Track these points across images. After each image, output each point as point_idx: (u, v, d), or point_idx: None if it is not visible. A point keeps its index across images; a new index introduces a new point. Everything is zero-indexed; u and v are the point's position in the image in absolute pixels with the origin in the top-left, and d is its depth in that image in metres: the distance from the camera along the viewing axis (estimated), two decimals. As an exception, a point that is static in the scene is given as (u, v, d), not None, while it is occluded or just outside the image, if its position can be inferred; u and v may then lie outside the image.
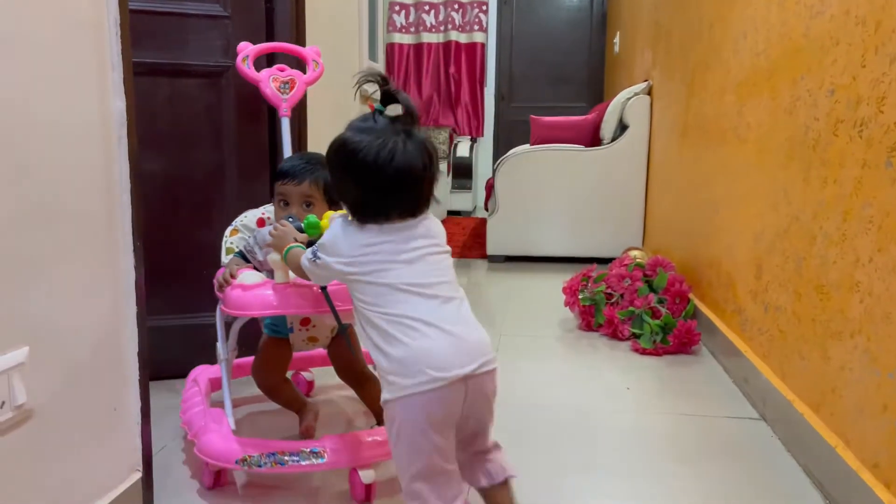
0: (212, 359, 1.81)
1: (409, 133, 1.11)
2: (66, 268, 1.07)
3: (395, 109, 1.16)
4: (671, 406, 1.91)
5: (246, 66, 1.76)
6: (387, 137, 1.09)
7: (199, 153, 1.99)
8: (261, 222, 1.68)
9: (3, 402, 0.94)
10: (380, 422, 1.61)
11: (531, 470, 1.53)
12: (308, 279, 1.27)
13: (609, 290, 2.62)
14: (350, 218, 1.16)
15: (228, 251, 1.62)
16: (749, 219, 2.02)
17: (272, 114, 2.05)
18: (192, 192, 1.99)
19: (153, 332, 1.34)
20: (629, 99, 3.81)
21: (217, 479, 1.45)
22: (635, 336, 2.44)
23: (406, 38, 6.44)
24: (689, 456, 1.61)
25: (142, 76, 1.33)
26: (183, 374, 2.00)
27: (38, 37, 1.00)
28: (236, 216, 1.99)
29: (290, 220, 1.37)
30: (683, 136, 2.95)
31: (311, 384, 1.99)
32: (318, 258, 1.16)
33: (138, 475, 1.28)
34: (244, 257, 1.57)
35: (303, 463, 1.35)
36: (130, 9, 1.22)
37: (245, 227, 1.67)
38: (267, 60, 1.98)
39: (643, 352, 2.36)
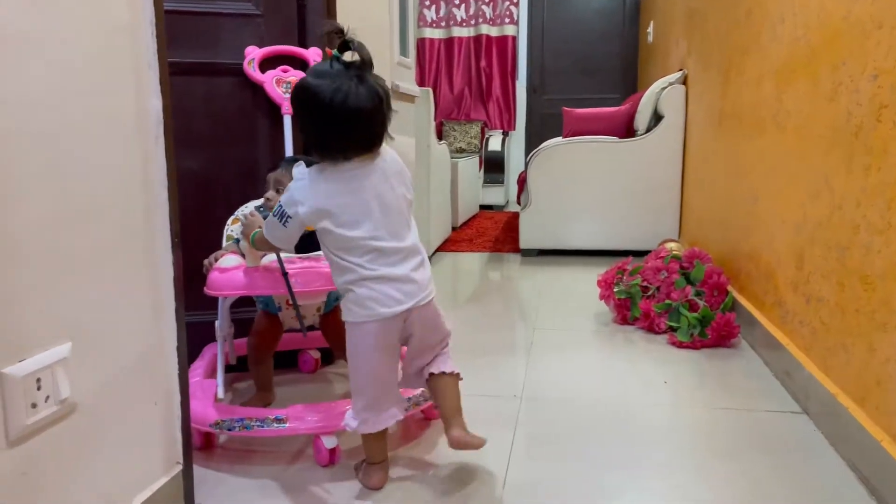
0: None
1: (361, 77, 1.26)
2: (106, 265, 1.09)
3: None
4: (710, 400, 1.88)
5: (251, 69, 1.91)
6: (341, 81, 1.24)
7: (234, 151, 2.02)
8: None
9: (48, 397, 0.97)
10: None
11: (567, 465, 1.52)
12: (277, 249, 1.44)
13: (645, 283, 2.59)
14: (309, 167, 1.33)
15: (228, 238, 1.78)
16: (789, 208, 1.97)
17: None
18: (226, 189, 2.02)
19: (191, 328, 1.36)
20: (664, 89, 3.76)
21: (205, 442, 1.61)
22: (672, 329, 2.41)
23: (437, 33, 6.44)
24: (729, 451, 1.58)
25: (177, 76, 1.35)
26: (220, 369, 2.05)
27: (77, 39, 1.02)
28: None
29: (260, 210, 1.56)
30: (720, 125, 2.89)
31: (317, 362, 2.13)
32: (287, 217, 1.31)
33: (179, 467, 1.31)
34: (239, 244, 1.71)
35: (266, 428, 1.51)
36: (165, 9, 1.23)
37: (245, 217, 1.78)
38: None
39: (680, 345, 2.32)
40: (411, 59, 3.61)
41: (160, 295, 1.24)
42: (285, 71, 1.95)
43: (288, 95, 1.92)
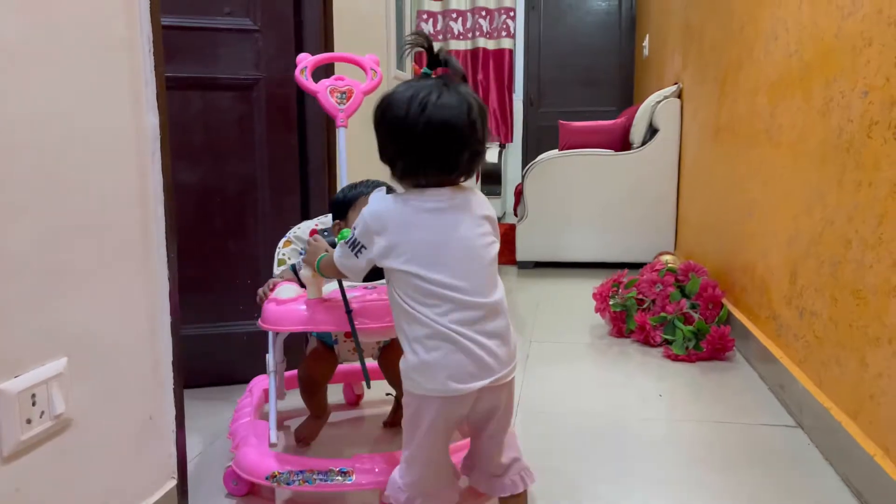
0: (245, 366, 1.84)
1: (448, 85, 1.08)
2: (102, 279, 1.10)
3: None
4: (705, 413, 1.88)
5: (304, 78, 1.73)
6: (422, 89, 1.07)
7: (232, 165, 2.03)
8: (313, 233, 1.59)
9: (43, 412, 0.97)
10: (396, 397, 1.77)
11: (563, 478, 1.52)
12: (346, 277, 1.24)
13: (640, 296, 2.60)
14: (387, 190, 1.15)
15: (280, 262, 1.61)
16: (783, 222, 1.98)
17: (302, 125, 2.08)
18: (224, 202, 2.03)
19: (186, 341, 1.37)
20: (659, 102, 3.78)
21: (250, 491, 1.46)
22: (667, 342, 2.42)
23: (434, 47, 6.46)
24: (724, 464, 1.59)
25: (175, 90, 1.37)
26: (216, 382, 2.05)
27: (74, 55, 1.03)
28: (268, 226, 2.00)
29: (325, 234, 1.37)
30: (715, 138, 2.91)
31: (359, 396, 1.98)
32: (361, 247, 1.12)
33: (173, 482, 1.31)
34: (295, 270, 1.55)
35: (329, 482, 1.35)
36: (163, 25, 1.24)
37: (298, 239, 1.65)
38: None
39: (676, 358, 2.33)
40: (408, 74, 3.63)
41: (156, 309, 1.25)
42: (340, 80, 1.75)
43: (343, 106, 1.73)
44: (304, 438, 1.67)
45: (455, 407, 1.10)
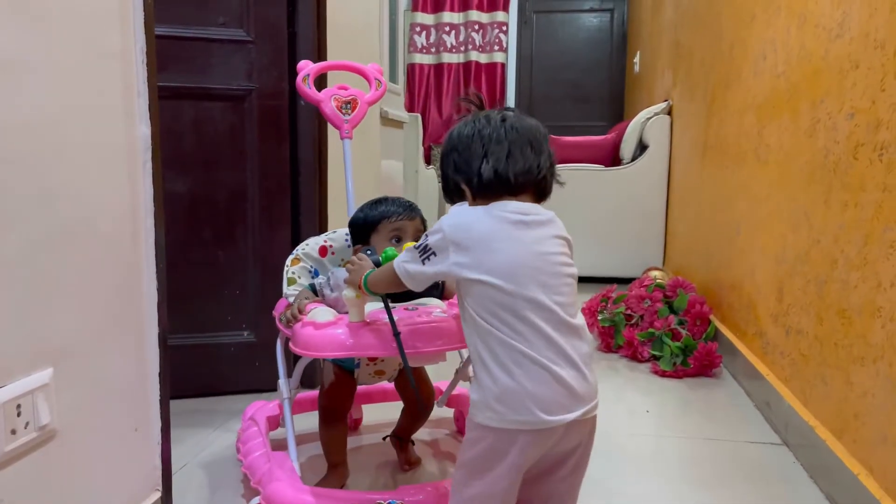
0: (233, 377, 1.83)
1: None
2: (90, 290, 1.09)
3: None
4: (692, 429, 1.89)
5: (306, 86, 1.65)
6: (494, 111, 1.11)
7: (223, 174, 2.03)
8: (323, 250, 1.59)
9: (28, 423, 0.96)
10: (399, 437, 1.65)
11: (549, 494, 1.52)
12: (401, 287, 1.12)
13: (629, 312, 2.61)
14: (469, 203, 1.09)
15: (290, 282, 1.52)
16: (770, 240, 2.00)
17: (294, 136, 2.08)
18: (215, 212, 2.03)
19: (174, 351, 1.36)
20: (649, 119, 3.81)
21: None
22: (655, 358, 2.42)
23: (427, 59, 6.51)
24: (710, 481, 1.59)
25: (167, 100, 1.37)
26: (203, 393, 2.03)
27: (67, 66, 1.03)
28: (258, 237, 2.00)
29: (369, 252, 1.27)
30: (704, 156, 2.94)
31: (357, 421, 1.88)
32: (431, 255, 1.03)
33: (158, 494, 1.30)
34: (315, 290, 1.47)
35: None
36: (156, 34, 1.24)
37: (307, 256, 1.57)
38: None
39: (663, 374, 2.34)
40: (400, 86, 3.66)
41: (144, 320, 1.24)
42: (343, 88, 1.68)
43: (347, 116, 1.66)
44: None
45: (541, 442, 0.97)
